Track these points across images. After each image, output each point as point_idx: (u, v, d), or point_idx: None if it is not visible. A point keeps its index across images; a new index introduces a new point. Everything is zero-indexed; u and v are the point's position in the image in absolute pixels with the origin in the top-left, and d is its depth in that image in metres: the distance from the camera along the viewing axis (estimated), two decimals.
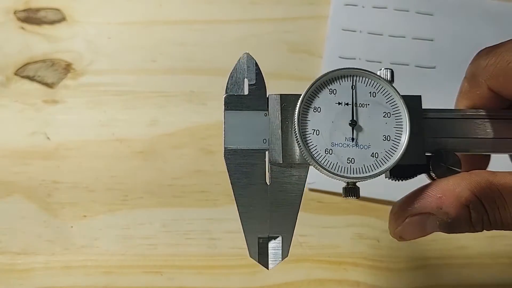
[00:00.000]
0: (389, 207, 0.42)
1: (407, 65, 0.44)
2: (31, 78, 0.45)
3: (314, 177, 0.43)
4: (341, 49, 0.45)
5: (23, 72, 0.45)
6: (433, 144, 0.28)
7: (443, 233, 0.42)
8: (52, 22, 0.46)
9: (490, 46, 0.29)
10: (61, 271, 0.42)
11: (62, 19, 0.46)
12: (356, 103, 0.27)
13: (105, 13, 0.46)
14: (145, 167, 0.44)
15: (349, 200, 0.43)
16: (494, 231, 0.42)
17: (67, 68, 0.45)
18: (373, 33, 0.46)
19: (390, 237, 0.43)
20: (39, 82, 0.45)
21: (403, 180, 0.28)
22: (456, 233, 0.27)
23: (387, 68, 0.27)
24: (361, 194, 0.42)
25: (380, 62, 0.45)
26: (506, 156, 0.31)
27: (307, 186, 0.43)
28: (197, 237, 0.42)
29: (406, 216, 0.27)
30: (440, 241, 0.42)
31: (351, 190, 0.27)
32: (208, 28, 0.46)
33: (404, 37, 0.45)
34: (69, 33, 0.45)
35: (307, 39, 0.46)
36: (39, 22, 0.45)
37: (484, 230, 0.27)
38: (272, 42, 0.46)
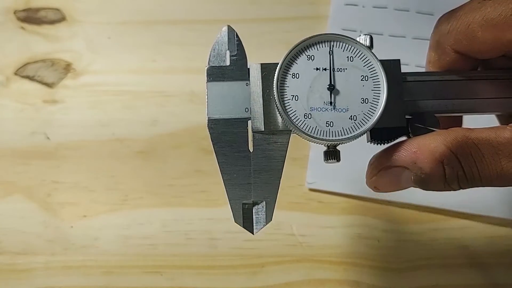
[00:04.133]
0: (389, 207, 0.43)
1: (407, 65, 0.44)
2: (31, 78, 0.45)
3: (314, 177, 0.43)
4: None
5: (23, 72, 0.45)
6: (412, 107, 0.28)
7: (443, 233, 0.42)
8: (52, 22, 0.45)
9: (449, 11, 0.29)
10: (61, 271, 0.42)
11: (62, 19, 0.46)
12: (333, 68, 0.27)
13: (105, 13, 0.46)
14: (145, 167, 0.43)
15: (349, 200, 0.43)
16: (494, 231, 0.42)
17: (67, 68, 0.45)
18: (373, 33, 0.45)
19: (390, 237, 0.43)
20: (39, 82, 0.45)
21: (384, 144, 0.28)
22: (432, 190, 0.27)
23: (366, 34, 0.28)
24: (361, 194, 0.42)
25: None
26: (481, 117, 0.30)
27: (307, 186, 0.43)
28: (197, 237, 0.42)
29: (381, 168, 0.27)
30: (441, 241, 0.42)
31: (332, 153, 0.28)
32: (208, 28, 0.45)
33: (404, 37, 0.45)
34: (69, 33, 0.45)
35: None
36: (39, 22, 0.45)
37: (462, 189, 0.26)
38: (272, 41, 0.45)
